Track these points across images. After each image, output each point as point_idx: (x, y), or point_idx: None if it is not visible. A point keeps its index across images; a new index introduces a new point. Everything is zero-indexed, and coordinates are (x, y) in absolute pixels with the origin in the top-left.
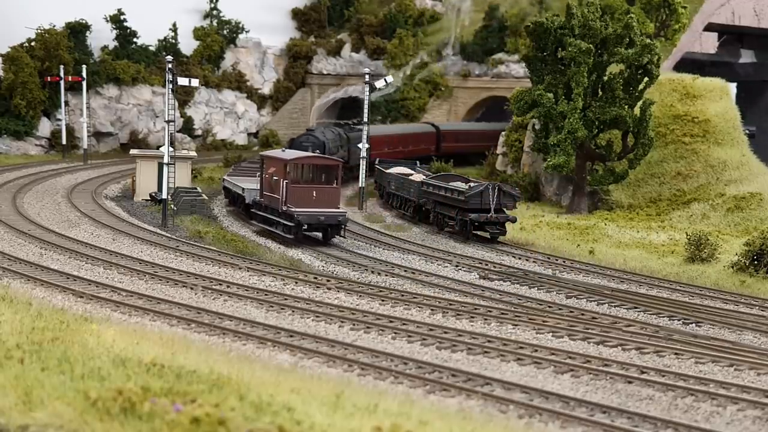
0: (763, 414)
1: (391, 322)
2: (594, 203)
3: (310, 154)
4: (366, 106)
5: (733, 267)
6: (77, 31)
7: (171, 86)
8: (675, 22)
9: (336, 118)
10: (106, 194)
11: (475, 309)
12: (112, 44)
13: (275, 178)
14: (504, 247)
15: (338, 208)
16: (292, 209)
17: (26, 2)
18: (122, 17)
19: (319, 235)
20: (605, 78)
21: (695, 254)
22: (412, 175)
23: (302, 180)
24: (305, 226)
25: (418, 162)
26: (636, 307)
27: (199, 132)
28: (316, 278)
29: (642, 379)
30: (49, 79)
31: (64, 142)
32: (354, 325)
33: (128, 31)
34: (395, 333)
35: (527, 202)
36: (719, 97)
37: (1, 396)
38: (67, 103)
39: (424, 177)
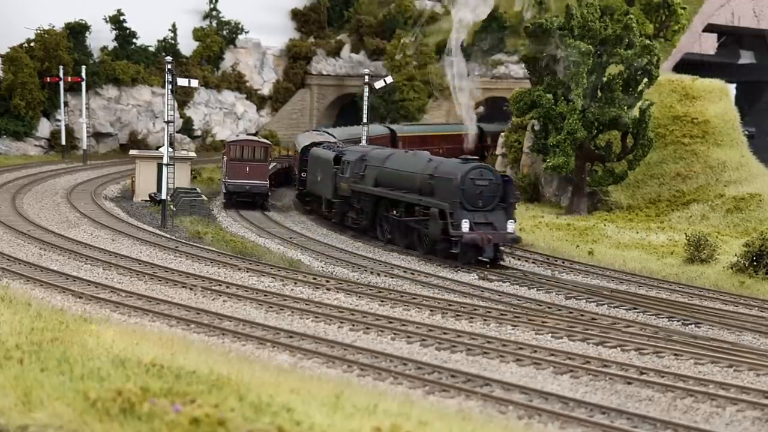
0: (763, 415)
1: (390, 322)
2: (593, 204)
3: (247, 137)
4: (366, 107)
5: (732, 268)
6: (77, 31)
7: (170, 87)
8: (674, 23)
9: (335, 119)
10: (106, 195)
11: (475, 310)
12: (112, 45)
13: (224, 157)
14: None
15: (265, 181)
16: (228, 180)
17: (26, 3)
18: (122, 18)
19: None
20: (605, 79)
21: (694, 255)
22: None
23: (240, 158)
24: (233, 194)
25: None
26: (635, 308)
27: (199, 132)
28: (315, 279)
29: (641, 379)
30: (48, 79)
31: (63, 142)
32: (353, 325)
33: (128, 31)
34: (394, 334)
35: (527, 202)
36: (719, 98)
37: (0, 396)
38: (66, 104)
39: None
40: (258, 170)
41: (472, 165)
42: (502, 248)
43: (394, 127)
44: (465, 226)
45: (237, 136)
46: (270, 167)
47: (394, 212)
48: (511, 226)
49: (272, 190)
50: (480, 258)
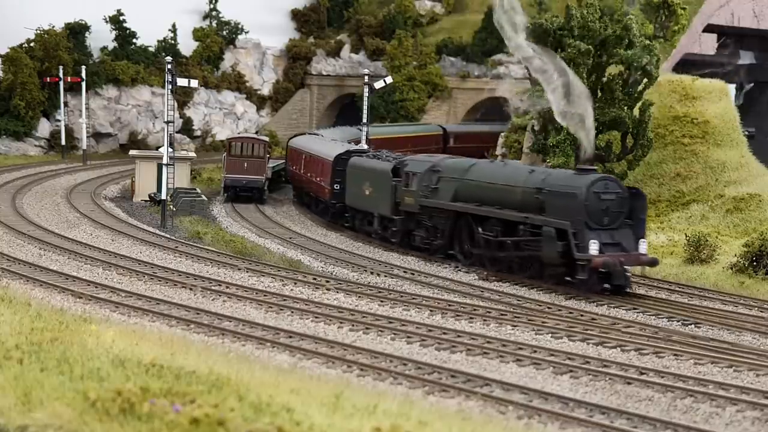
0: (762, 415)
1: (390, 322)
2: None
3: (247, 135)
4: (366, 107)
5: (732, 268)
6: (76, 31)
7: (170, 87)
8: (674, 24)
9: (335, 119)
10: (106, 195)
11: (474, 310)
12: (112, 45)
13: (224, 154)
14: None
15: (262, 176)
16: (226, 175)
17: (26, 3)
18: (122, 18)
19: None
20: (604, 79)
21: (694, 255)
22: None
23: (238, 154)
24: (231, 188)
25: None
26: (635, 308)
27: (199, 133)
28: (315, 279)
29: (641, 380)
30: (48, 79)
31: (63, 142)
32: (353, 325)
33: (128, 31)
34: (394, 334)
35: None
36: (718, 99)
37: (0, 396)
38: (66, 104)
39: None
40: (255, 166)
41: (596, 176)
42: (627, 273)
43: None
44: (593, 247)
45: (239, 134)
46: (272, 164)
47: (480, 230)
48: (643, 247)
49: (282, 186)
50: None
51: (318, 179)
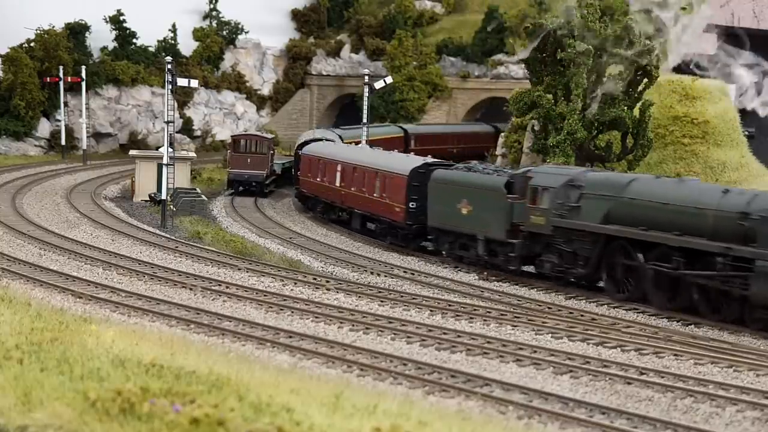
0: (762, 415)
1: (390, 322)
2: None
3: (250, 132)
4: (366, 107)
5: None
6: (77, 31)
7: (170, 87)
8: (674, 24)
9: (335, 119)
10: (106, 195)
11: (474, 310)
12: (112, 45)
13: (229, 150)
14: None
15: (263, 171)
16: (230, 170)
17: (26, 3)
18: (122, 18)
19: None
20: (604, 79)
21: None
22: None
23: (243, 151)
24: (235, 183)
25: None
26: (635, 308)
27: (199, 133)
28: (315, 279)
29: (641, 380)
30: (48, 79)
31: (63, 142)
32: (353, 325)
33: (128, 31)
34: (394, 334)
35: None
36: (718, 99)
37: (0, 396)
38: (66, 104)
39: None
40: (257, 161)
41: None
42: None
43: (338, 131)
44: None
45: (246, 131)
46: (282, 161)
47: (643, 258)
48: None
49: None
50: None
51: (381, 196)
